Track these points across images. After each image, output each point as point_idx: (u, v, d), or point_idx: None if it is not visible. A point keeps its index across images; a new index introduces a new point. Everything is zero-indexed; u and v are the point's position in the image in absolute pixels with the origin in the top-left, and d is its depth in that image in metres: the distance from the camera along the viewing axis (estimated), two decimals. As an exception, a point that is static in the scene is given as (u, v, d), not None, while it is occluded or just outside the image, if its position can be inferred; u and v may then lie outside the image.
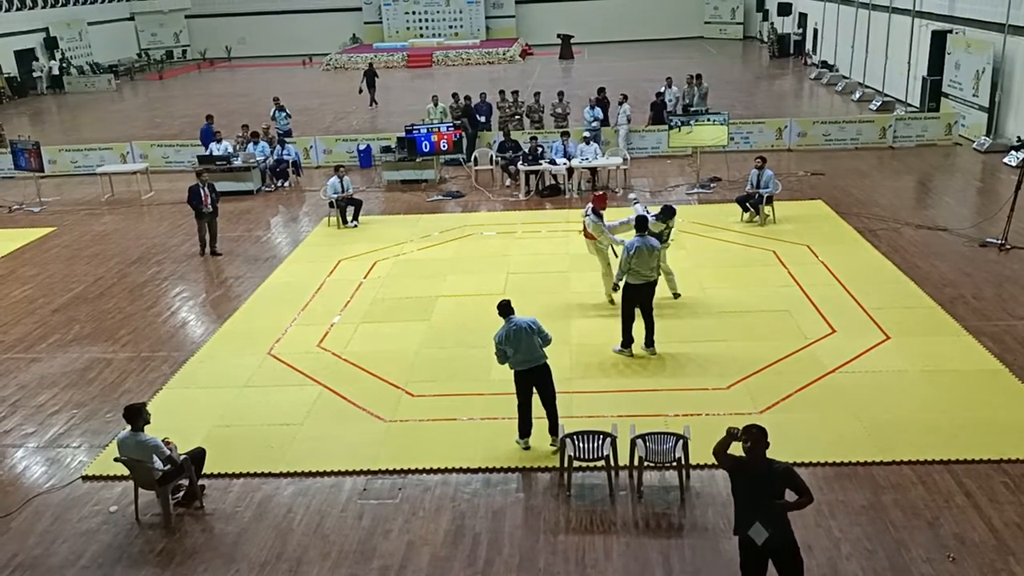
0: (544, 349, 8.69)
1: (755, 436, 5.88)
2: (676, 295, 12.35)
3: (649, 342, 10.79)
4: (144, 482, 8.01)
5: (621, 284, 10.83)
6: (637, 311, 10.73)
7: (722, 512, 7.66)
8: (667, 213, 12.04)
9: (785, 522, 5.96)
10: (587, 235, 12.37)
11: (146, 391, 10.49)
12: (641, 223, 10.81)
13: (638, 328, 10.74)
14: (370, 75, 31.12)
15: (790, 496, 5.95)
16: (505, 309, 8.75)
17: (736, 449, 6.04)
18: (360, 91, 30.73)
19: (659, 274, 10.93)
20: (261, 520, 7.99)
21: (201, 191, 15.30)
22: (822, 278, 12.95)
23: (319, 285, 13.73)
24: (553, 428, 8.81)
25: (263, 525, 7.92)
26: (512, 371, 8.76)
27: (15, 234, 17.48)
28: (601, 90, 22.18)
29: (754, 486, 5.90)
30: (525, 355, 8.59)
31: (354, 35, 46.76)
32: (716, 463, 6.29)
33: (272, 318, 12.52)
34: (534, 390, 8.74)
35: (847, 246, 14.29)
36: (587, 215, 12.34)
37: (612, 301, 12.13)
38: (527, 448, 8.81)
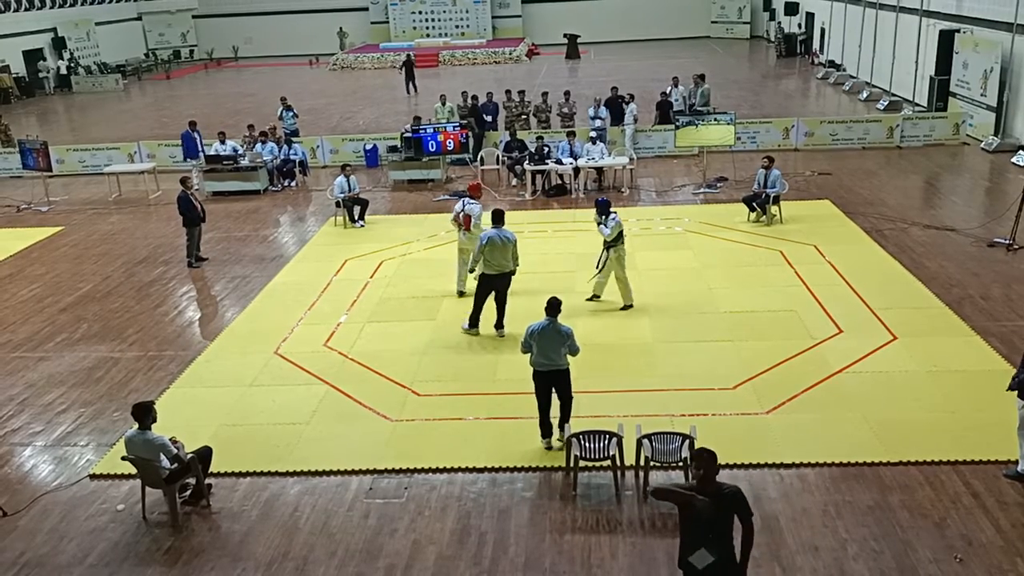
0: (567, 357, 8.67)
1: (707, 461, 5.62)
2: (626, 307, 12.15)
3: (499, 325, 11.45)
4: (151, 481, 8.03)
5: (476, 271, 11.53)
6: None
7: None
8: (598, 208, 12.05)
9: (732, 552, 5.72)
10: (459, 223, 12.59)
11: (153, 390, 10.52)
12: (497, 215, 11.34)
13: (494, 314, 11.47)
14: (409, 66, 34.06)
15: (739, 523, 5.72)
16: (553, 308, 8.66)
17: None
18: (407, 84, 33.86)
19: (516, 265, 11.40)
20: (267, 519, 8.01)
21: (191, 199, 14.82)
22: (829, 278, 12.93)
23: (325, 284, 13.76)
24: (562, 426, 8.79)
25: (269, 524, 7.93)
26: (531, 369, 8.73)
27: (23, 233, 17.56)
28: (614, 89, 22.09)
29: (704, 512, 5.60)
30: (545, 357, 8.57)
31: (341, 28, 46.84)
32: (662, 498, 5.94)
33: (278, 317, 12.54)
34: (553, 393, 8.72)
35: (854, 246, 14.25)
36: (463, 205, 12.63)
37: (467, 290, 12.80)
38: (549, 448, 8.79)
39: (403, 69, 34.20)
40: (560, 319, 8.64)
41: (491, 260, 11.18)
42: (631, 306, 12.15)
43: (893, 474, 8.16)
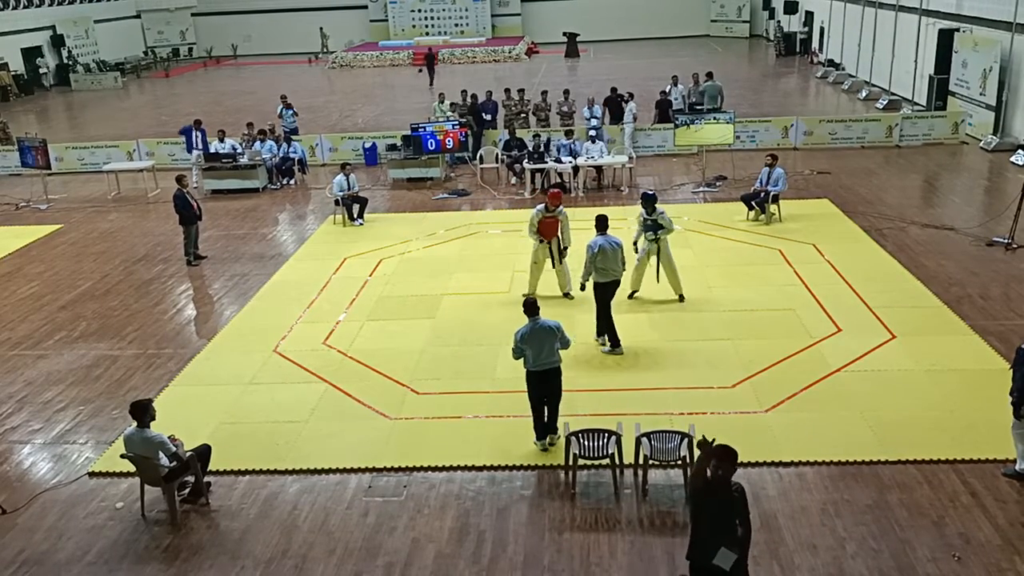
0: (560, 353, 8.64)
1: (730, 459, 5.65)
2: (631, 293, 12.38)
3: (603, 335, 10.96)
4: (150, 478, 8.04)
5: (587, 283, 10.94)
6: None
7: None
8: (647, 201, 12.01)
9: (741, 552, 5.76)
10: (551, 232, 12.32)
11: (152, 388, 10.52)
12: (602, 221, 10.96)
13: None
14: (430, 59, 36.77)
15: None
16: (531, 308, 8.65)
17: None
18: (420, 71, 37.15)
19: (624, 270, 11.05)
20: (266, 517, 8.01)
21: (187, 197, 14.78)
22: (828, 277, 12.93)
23: (325, 283, 13.75)
24: (551, 427, 8.78)
25: (268, 522, 7.94)
26: (524, 370, 8.70)
27: (22, 231, 17.55)
28: (613, 88, 22.04)
29: (719, 509, 5.65)
30: (541, 357, 8.52)
31: (322, 29, 46.87)
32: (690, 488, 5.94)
33: (277, 315, 12.54)
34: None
35: (853, 245, 14.26)
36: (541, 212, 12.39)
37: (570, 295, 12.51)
38: (545, 450, 8.77)
39: (425, 64, 36.64)
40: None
41: (604, 268, 10.70)
42: (636, 292, 12.33)
43: (891, 473, 8.17)
